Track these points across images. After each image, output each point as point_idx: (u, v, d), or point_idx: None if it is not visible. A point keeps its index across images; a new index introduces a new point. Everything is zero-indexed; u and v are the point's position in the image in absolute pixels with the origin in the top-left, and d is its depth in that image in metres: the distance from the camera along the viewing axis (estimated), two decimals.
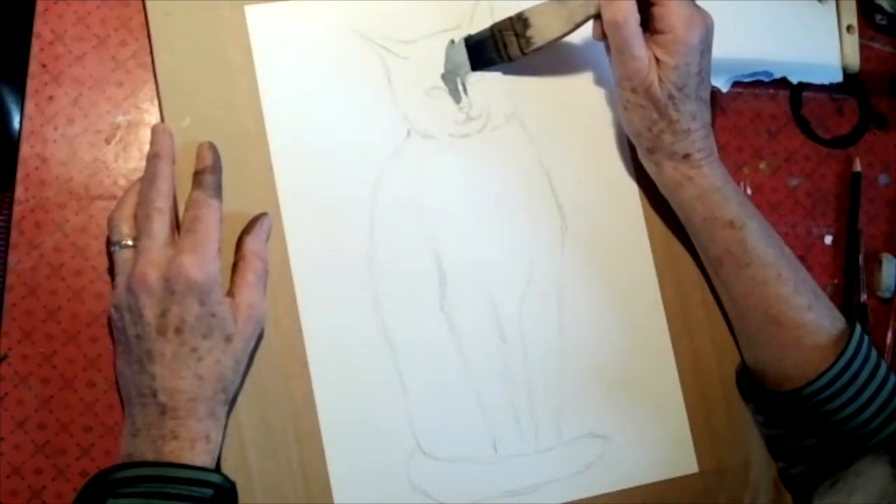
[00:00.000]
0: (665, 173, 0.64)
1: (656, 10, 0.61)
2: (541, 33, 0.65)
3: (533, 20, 0.65)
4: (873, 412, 0.61)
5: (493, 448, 0.64)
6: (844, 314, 0.64)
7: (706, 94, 0.63)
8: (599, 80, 0.70)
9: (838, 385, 0.61)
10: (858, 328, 0.62)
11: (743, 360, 0.68)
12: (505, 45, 0.66)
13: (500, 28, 0.66)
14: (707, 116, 0.64)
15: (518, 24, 0.65)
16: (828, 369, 0.61)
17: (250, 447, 0.60)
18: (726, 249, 0.64)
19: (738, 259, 0.63)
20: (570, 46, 0.69)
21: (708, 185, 0.63)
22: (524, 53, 0.66)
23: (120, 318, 0.57)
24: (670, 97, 0.61)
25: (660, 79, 0.61)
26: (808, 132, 0.76)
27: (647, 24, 0.62)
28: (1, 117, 0.82)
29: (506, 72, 0.68)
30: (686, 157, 0.63)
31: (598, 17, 0.63)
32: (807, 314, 0.62)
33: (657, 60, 0.61)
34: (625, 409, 0.67)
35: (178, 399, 0.55)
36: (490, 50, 0.67)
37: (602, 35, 0.63)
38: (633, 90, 0.62)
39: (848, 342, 0.61)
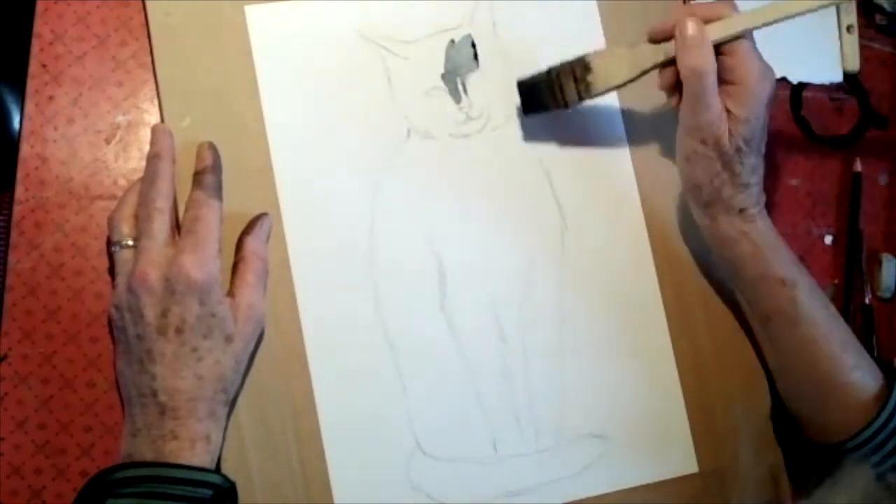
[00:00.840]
0: (720, 228, 0.63)
1: (727, 61, 0.59)
2: (603, 79, 0.63)
3: (594, 64, 0.63)
4: None
5: (493, 448, 0.64)
6: (844, 315, 0.64)
7: (763, 148, 0.62)
8: None
9: (880, 439, 0.60)
10: None
11: (775, 403, 0.68)
12: (562, 89, 0.64)
13: (558, 71, 0.64)
14: (762, 171, 0.63)
15: (578, 67, 0.63)
16: (869, 424, 0.60)
17: (250, 447, 0.60)
18: (777, 307, 0.63)
19: (789, 317, 0.63)
20: (570, 46, 0.69)
21: (762, 241, 0.63)
22: (581, 99, 0.64)
23: (120, 317, 0.57)
24: (738, 150, 0.60)
25: (729, 131, 0.60)
26: (808, 132, 0.76)
27: (718, 73, 0.60)
28: (1, 117, 0.82)
29: (507, 73, 0.68)
30: (742, 211, 0.62)
31: (666, 64, 0.61)
32: (853, 374, 0.62)
33: (727, 111, 0.60)
34: (625, 409, 0.67)
35: (179, 399, 0.55)
36: (544, 94, 0.64)
37: (670, 84, 0.62)
38: (703, 141, 0.60)
39: (889, 397, 0.61)
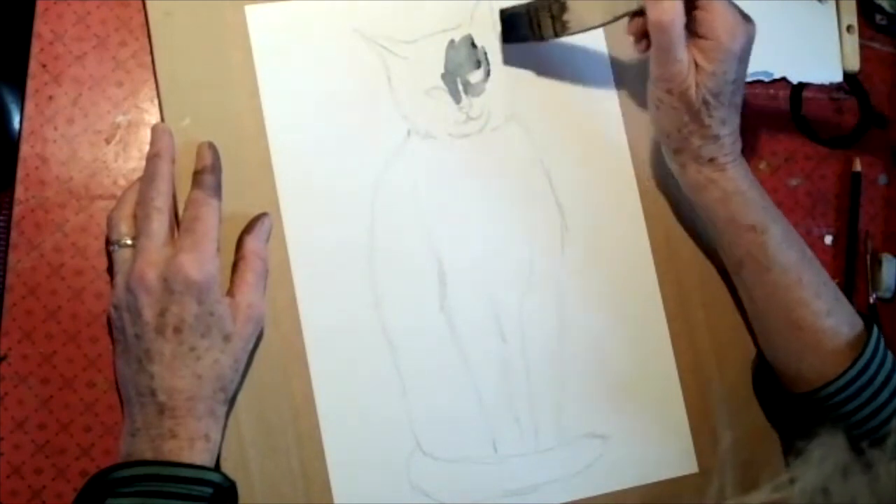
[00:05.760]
0: (689, 175, 0.64)
1: (700, 15, 0.60)
2: (579, 19, 0.64)
3: (571, 4, 0.64)
4: (889, 414, 0.61)
5: (493, 448, 0.64)
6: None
7: (739, 101, 0.62)
8: (600, 80, 0.70)
9: (854, 388, 0.60)
10: (875, 331, 0.62)
11: (759, 356, 0.68)
12: (539, 25, 0.65)
13: (536, 7, 0.65)
14: (737, 122, 0.63)
15: (555, 5, 0.64)
16: (844, 372, 0.60)
17: (250, 446, 0.60)
18: (748, 253, 0.63)
19: (760, 263, 0.63)
20: (571, 46, 0.69)
21: (731, 188, 0.63)
22: (557, 36, 0.65)
23: (119, 317, 0.57)
24: (704, 102, 0.60)
25: (696, 83, 0.60)
26: (808, 132, 0.76)
27: (689, 26, 0.60)
28: (1, 117, 0.82)
29: (506, 73, 0.68)
30: (712, 160, 0.63)
31: (638, 13, 0.62)
32: (827, 319, 0.62)
33: (696, 65, 0.60)
34: (625, 409, 0.67)
35: (177, 398, 0.55)
36: (524, 26, 0.66)
37: (638, 32, 0.63)
38: (669, 91, 0.61)
39: (865, 346, 0.61)
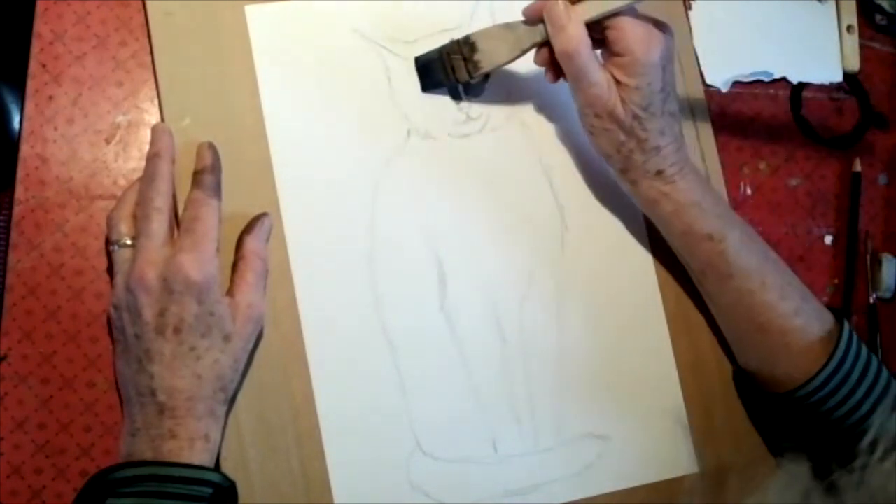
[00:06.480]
0: (641, 191, 0.63)
1: (611, 34, 0.60)
2: (488, 58, 0.64)
3: (480, 44, 0.64)
4: (869, 408, 0.60)
5: (493, 448, 0.64)
6: (841, 314, 0.64)
7: (674, 107, 0.62)
8: None
9: (831, 386, 0.60)
10: (847, 327, 0.62)
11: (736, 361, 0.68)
12: (453, 69, 0.65)
13: (447, 51, 0.65)
14: (677, 129, 0.63)
15: (465, 47, 0.64)
16: (819, 372, 0.60)
17: (250, 446, 0.60)
18: (708, 262, 0.63)
19: (721, 271, 0.63)
20: None
21: (684, 199, 0.62)
22: (472, 77, 0.65)
23: (119, 317, 0.57)
24: (635, 117, 0.60)
25: (622, 100, 0.60)
26: (808, 132, 0.76)
27: (603, 44, 0.61)
28: (1, 117, 0.82)
29: (506, 73, 0.68)
30: (659, 173, 0.62)
31: (544, 43, 0.62)
32: (795, 320, 0.62)
33: (618, 82, 0.60)
34: (625, 409, 0.67)
35: (177, 398, 0.55)
36: (438, 72, 0.66)
37: (546, 62, 0.63)
38: (597, 115, 0.61)
39: (837, 342, 0.61)
